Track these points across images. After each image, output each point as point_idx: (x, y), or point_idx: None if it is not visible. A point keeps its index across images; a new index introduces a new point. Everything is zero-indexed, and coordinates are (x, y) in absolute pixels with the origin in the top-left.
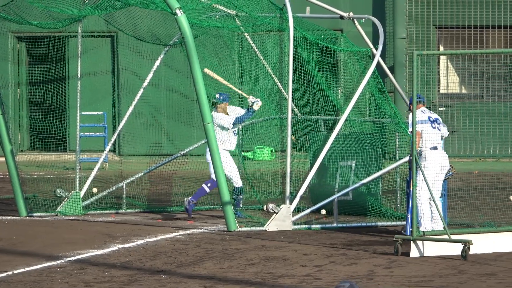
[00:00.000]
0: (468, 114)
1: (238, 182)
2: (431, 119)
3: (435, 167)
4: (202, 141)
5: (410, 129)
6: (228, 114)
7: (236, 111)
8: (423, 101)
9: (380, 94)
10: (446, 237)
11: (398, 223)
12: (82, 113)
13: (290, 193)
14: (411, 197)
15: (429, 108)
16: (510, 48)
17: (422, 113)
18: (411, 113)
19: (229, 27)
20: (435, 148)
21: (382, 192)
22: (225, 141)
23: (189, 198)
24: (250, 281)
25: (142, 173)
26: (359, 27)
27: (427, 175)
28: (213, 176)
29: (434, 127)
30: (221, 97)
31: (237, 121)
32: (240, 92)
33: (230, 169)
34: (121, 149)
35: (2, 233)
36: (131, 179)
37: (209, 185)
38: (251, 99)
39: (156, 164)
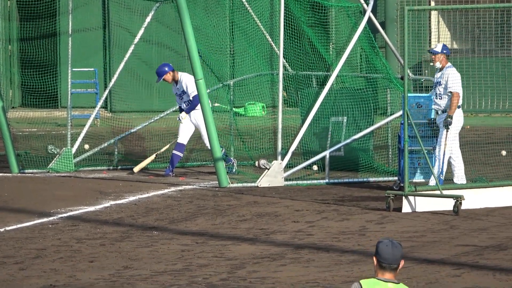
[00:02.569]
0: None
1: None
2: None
3: (459, 125)
4: None
5: (453, 89)
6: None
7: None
8: (448, 55)
9: (371, 50)
10: (438, 192)
11: (390, 178)
12: (73, 69)
13: (281, 149)
14: (403, 152)
15: (420, 64)
16: (501, 3)
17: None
18: (448, 69)
19: None
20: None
21: (373, 148)
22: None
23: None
24: (242, 237)
25: (134, 130)
26: None
27: (456, 132)
28: (180, 137)
29: None
30: (161, 71)
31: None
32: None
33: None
34: (113, 106)
35: None
36: (123, 135)
37: (177, 149)
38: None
39: (148, 121)
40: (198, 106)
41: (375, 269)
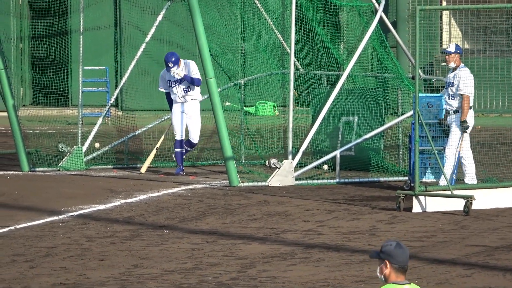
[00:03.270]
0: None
1: (195, 138)
2: None
3: (472, 124)
4: (205, 96)
5: (464, 92)
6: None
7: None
8: (461, 55)
9: (382, 49)
10: (448, 192)
11: (400, 178)
12: (85, 68)
13: (292, 148)
14: (414, 152)
15: (431, 64)
16: None
17: (471, 74)
18: (462, 70)
19: None
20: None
21: (384, 147)
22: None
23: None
24: (252, 236)
25: (145, 128)
26: None
27: (467, 133)
28: (177, 135)
29: None
30: (173, 62)
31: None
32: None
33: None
34: (124, 104)
35: (4, 188)
36: (134, 134)
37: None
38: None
39: (159, 119)
40: (195, 96)
41: (386, 273)
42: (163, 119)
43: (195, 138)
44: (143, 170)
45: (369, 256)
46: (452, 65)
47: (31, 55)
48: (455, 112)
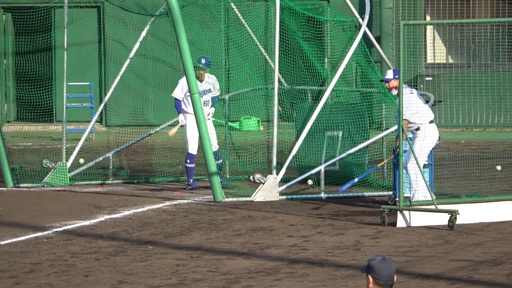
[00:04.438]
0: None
1: (213, 146)
2: (419, 95)
3: (434, 139)
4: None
5: (405, 115)
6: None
7: (214, 81)
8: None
9: (366, 64)
10: (433, 207)
11: (385, 193)
12: (69, 83)
13: (276, 163)
14: (398, 167)
15: (415, 78)
16: (497, 18)
17: (411, 94)
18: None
19: None
20: (432, 121)
21: (368, 162)
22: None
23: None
24: (237, 251)
25: (128, 144)
26: None
27: (426, 148)
28: (189, 148)
29: (425, 103)
30: (206, 64)
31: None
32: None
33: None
34: (108, 120)
35: None
36: (118, 149)
37: (188, 161)
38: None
39: (143, 135)
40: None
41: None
42: (146, 134)
43: (214, 146)
44: (171, 133)
45: (360, 271)
46: (394, 91)
47: (15, 71)
48: (417, 129)
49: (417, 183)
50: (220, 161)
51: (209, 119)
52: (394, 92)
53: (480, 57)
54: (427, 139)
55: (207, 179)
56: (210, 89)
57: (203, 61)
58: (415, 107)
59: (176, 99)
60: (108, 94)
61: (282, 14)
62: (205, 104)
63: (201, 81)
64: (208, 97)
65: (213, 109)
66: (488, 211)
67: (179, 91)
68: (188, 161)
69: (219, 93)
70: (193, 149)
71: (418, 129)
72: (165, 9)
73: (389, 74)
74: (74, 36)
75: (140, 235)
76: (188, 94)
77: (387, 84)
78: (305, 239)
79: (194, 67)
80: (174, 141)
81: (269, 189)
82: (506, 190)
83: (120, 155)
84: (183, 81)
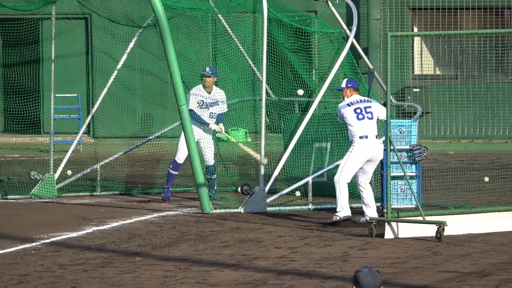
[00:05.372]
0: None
1: (210, 161)
2: (357, 110)
3: (363, 155)
4: (176, 123)
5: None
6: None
7: (222, 96)
8: (355, 87)
9: (354, 76)
10: (420, 218)
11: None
12: (56, 95)
13: (264, 174)
14: (385, 178)
15: (403, 90)
16: (484, 29)
17: (348, 106)
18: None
19: (202, 8)
20: (365, 137)
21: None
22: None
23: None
24: (225, 263)
25: (116, 155)
26: (333, 8)
27: (351, 163)
28: (176, 157)
29: (361, 118)
30: (211, 71)
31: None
32: (252, 153)
33: (205, 146)
34: (96, 131)
35: None
36: (106, 161)
37: (171, 166)
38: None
39: (130, 146)
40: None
41: None
42: (133, 146)
43: (210, 161)
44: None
45: (349, 280)
46: (346, 100)
47: (3, 82)
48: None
49: (340, 199)
50: (215, 176)
51: (219, 134)
52: (346, 100)
53: (467, 69)
54: (353, 154)
55: (194, 190)
56: (217, 101)
57: (207, 69)
58: (349, 121)
59: (193, 111)
60: (96, 106)
61: (269, 26)
62: (210, 117)
63: (208, 92)
64: (214, 109)
65: (221, 125)
66: (476, 222)
67: (193, 103)
68: (171, 166)
69: (226, 110)
70: (179, 158)
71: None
72: (153, 20)
73: (343, 83)
74: (61, 47)
75: (128, 247)
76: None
77: (342, 93)
78: (293, 250)
79: (200, 76)
80: (162, 152)
81: (257, 201)
82: (494, 202)
83: (108, 166)
84: (192, 92)
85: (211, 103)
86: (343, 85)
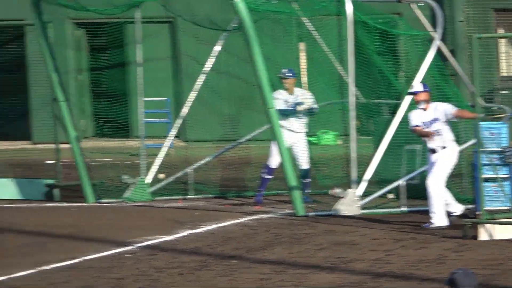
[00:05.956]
0: None
1: (304, 164)
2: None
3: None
4: (265, 126)
5: (454, 107)
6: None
7: (307, 95)
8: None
9: (441, 78)
10: None
11: (465, 206)
12: (145, 99)
13: (356, 177)
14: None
15: (491, 91)
16: None
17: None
18: (434, 103)
19: (286, 11)
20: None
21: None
22: (291, 121)
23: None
24: (320, 265)
25: (208, 159)
26: (417, 10)
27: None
28: (269, 160)
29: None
30: (289, 72)
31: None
32: None
33: (299, 150)
34: (186, 135)
35: (70, 219)
36: (198, 164)
37: (265, 171)
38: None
39: (221, 150)
40: (299, 129)
41: None
42: (224, 149)
43: (305, 164)
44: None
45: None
46: (422, 105)
47: (91, 86)
48: (443, 148)
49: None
50: (308, 180)
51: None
52: (423, 105)
53: None
54: (454, 158)
55: (286, 193)
56: (302, 102)
57: (285, 71)
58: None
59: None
60: (185, 109)
61: (354, 28)
62: (298, 118)
63: (290, 94)
64: (300, 109)
65: (305, 106)
66: None
67: (279, 104)
68: (264, 170)
69: (317, 107)
70: (272, 163)
71: (444, 147)
72: (237, 23)
73: (418, 87)
74: (147, 51)
75: (223, 250)
76: (285, 106)
77: (415, 97)
78: (389, 253)
79: (280, 80)
80: (251, 156)
81: (350, 203)
82: None
83: (200, 170)
84: (274, 95)
85: (295, 104)
86: (420, 88)
